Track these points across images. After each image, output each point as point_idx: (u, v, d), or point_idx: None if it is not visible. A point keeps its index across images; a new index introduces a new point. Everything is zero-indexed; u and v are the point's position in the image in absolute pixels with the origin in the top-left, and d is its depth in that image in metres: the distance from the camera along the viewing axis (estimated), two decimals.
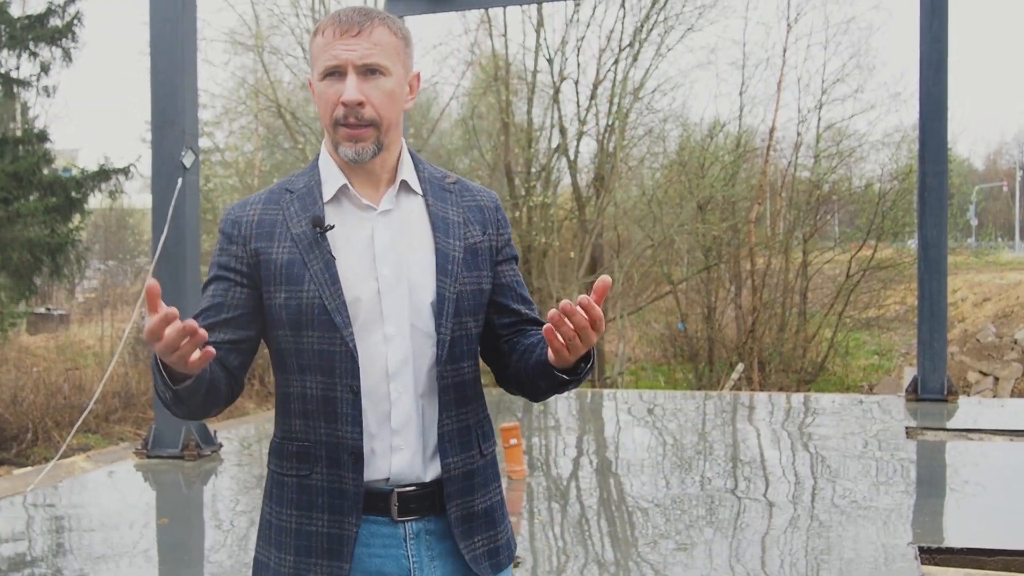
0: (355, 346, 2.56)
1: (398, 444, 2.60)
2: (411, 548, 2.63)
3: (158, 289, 2.22)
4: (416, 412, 2.62)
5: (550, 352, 2.47)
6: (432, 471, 2.65)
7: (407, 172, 2.73)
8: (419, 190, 2.73)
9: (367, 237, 2.63)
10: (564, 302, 2.32)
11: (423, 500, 2.64)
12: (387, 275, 2.61)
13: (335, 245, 2.61)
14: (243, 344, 2.67)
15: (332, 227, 2.61)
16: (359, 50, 2.56)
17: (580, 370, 2.57)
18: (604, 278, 2.34)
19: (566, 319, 2.35)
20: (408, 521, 2.63)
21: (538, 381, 2.65)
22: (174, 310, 2.21)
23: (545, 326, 2.39)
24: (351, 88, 2.56)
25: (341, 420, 2.58)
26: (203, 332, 2.25)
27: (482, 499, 2.74)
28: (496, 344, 2.82)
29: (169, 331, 2.22)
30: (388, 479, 2.61)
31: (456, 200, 2.77)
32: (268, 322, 2.65)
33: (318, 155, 2.76)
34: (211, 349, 2.30)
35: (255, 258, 2.64)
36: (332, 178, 2.68)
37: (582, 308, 2.33)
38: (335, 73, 2.59)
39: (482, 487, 2.74)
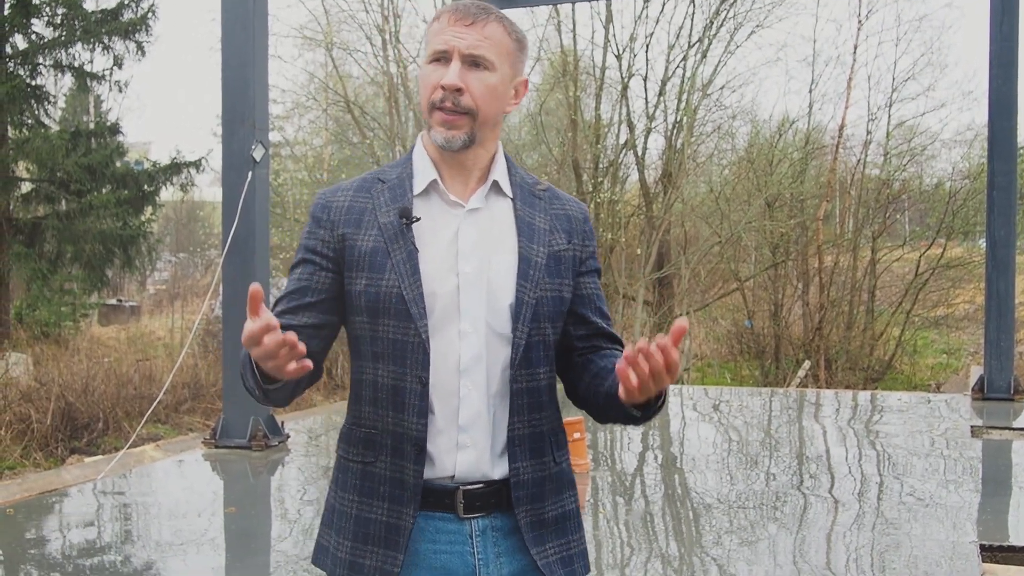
0: (427, 338, 2.56)
1: (464, 441, 2.60)
2: (477, 545, 2.63)
3: (261, 294, 2.25)
4: (487, 411, 2.61)
5: (621, 389, 2.44)
6: (499, 470, 2.64)
7: (499, 173, 2.73)
8: (510, 193, 2.72)
9: (452, 233, 2.63)
10: (641, 343, 2.30)
11: (489, 497, 2.63)
12: (468, 273, 2.60)
13: (420, 238, 2.61)
14: (325, 329, 2.69)
15: (419, 219, 2.61)
16: (468, 39, 2.58)
17: (651, 407, 2.54)
18: (681, 322, 2.31)
19: (641, 360, 2.32)
20: (474, 518, 2.62)
21: (607, 410, 2.65)
22: (275, 321, 2.25)
23: (618, 365, 2.36)
24: (452, 73, 2.57)
25: (408, 410, 2.58)
26: (302, 347, 2.28)
27: (553, 506, 2.71)
28: (570, 356, 2.79)
29: (268, 339, 2.24)
30: (453, 476, 2.60)
31: (545, 207, 2.76)
32: (347, 308, 2.66)
33: (413, 146, 2.77)
34: (308, 362, 2.32)
35: (341, 243, 2.65)
36: (424, 171, 2.69)
37: (661, 351, 2.30)
38: (442, 58, 2.60)
39: (554, 494, 2.72)
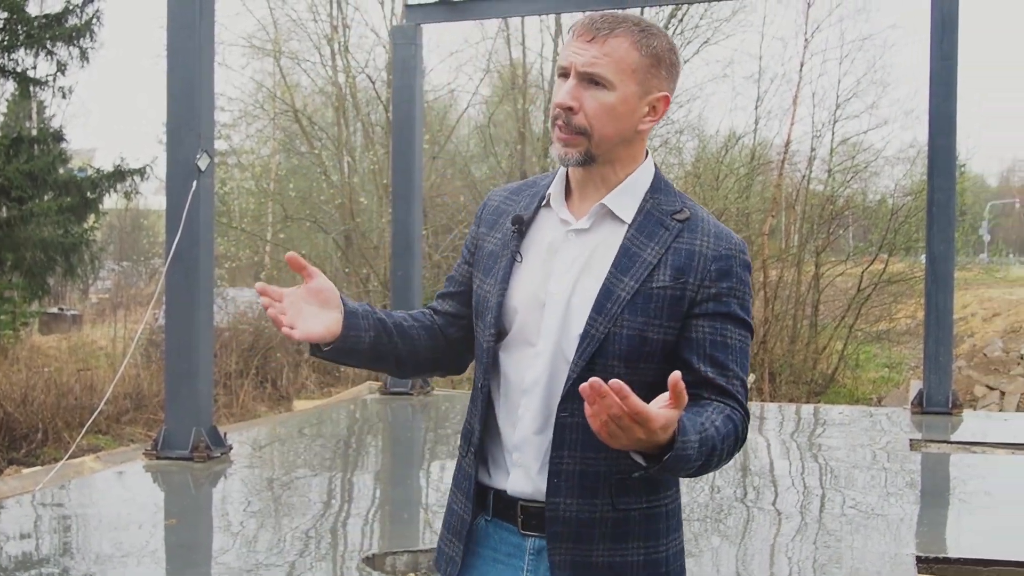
0: (489, 348, 2.61)
1: (515, 460, 2.58)
2: (529, 563, 2.58)
3: (299, 261, 2.50)
4: (537, 437, 2.54)
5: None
6: None
7: (618, 196, 2.58)
8: (626, 218, 2.56)
9: (551, 251, 2.59)
10: (593, 380, 2.08)
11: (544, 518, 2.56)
12: (554, 293, 2.54)
13: (527, 250, 2.63)
14: (462, 320, 2.80)
15: (519, 230, 2.64)
16: (585, 56, 2.49)
17: (657, 462, 2.24)
18: (675, 374, 2.11)
19: (596, 397, 2.09)
20: (534, 536, 2.57)
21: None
22: (280, 293, 2.51)
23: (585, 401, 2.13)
24: (563, 91, 2.52)
25: (478, 413, 2.66)
26: (280, 320, 2.49)
27: (608, 552, 2.52)
28: None
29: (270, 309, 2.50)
30: (506, 491, 2.61)
31: (666, 239, 2.53)
32: None
33: None
34: (288, 331, 2.48)
35: (476, 241, 2.76)
36: (558, 183, 2.65)
37: (615, 393, 2.07)
38: (564, 74, 2.55)
39: (611, 540, 2.52)
